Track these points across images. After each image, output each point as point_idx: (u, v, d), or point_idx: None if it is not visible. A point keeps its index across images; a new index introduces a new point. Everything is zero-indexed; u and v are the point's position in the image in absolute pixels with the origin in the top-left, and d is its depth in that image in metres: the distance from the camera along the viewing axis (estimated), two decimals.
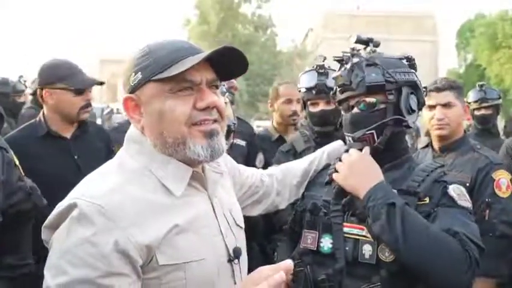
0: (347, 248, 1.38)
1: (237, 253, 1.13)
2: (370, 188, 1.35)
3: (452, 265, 1.26)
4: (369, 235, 1.36)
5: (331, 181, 1.52)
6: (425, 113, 2.30)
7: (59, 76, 2.27)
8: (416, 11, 36.01)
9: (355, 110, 1.45)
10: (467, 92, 3.63)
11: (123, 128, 2.86)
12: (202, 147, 1.05)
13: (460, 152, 2.25)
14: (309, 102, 2.26)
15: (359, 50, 1.51)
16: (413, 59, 1.52)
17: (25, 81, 4.80)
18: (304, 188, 1.62)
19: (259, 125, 11.56)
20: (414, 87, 1.47)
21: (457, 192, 1.40)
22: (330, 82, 2.16)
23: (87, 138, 2.42)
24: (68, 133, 2.35)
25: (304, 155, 2.25)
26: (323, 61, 2.24)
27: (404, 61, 1.50)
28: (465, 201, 1.40)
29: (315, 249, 1.43)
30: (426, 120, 2.32)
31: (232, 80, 2.87)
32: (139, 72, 1.05)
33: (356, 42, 1.52)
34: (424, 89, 1.52)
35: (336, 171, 1.48)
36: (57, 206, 1.00)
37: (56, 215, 0.99)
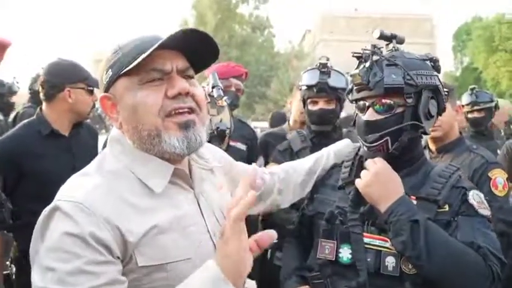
0: (368, 260, 1.32)
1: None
2: (393, 203, 1.30)
3: (475, 281, 1.25)
4: (392, 247, 1.29)
5: (344, 186, 1.46)
6: None
7: (81, 76, 2.32)
8: (414, 14, 36.13)
9: (371, 111, 1.37)
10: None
11: None
12: (177, 139, 1.02)
13: (456, 153, 2.25)
14: (308, 100, 2.26)
15: (381, 47, 1.41)
16: (438, 60, 1.42)
17: (18, 82, 4.84)
18: (309, 187, 1.57)
19: (256, 126, 11.59)
20: (435, 91, 1.39)
21: (477, 199, 1.36)
22: (332, 81, 2.17)
23: (82, 136, 2.44)
24: (66, 131, 2.36)
25: (301, 155, 2.24)
26: (327, 60, 2.24)
27: (428, 62, 1.41)
28: (485, 209, 1.36)
29: (334, 259, 1.37)
30: None
31: (239, 83, 2.84)
32: (110, 70, 1.04)
33: (379, 38, 1.44)
34: (446, 93, 1.45)
35: (358, 176, 1.40)
36: (41, 215, 0.98)
37: (41, 222, 0.97)
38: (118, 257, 0.94)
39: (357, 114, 1.44)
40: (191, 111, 1.04)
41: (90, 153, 2.33)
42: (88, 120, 2.84)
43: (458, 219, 1.32)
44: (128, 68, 1.00)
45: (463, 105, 3.69)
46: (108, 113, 1.07)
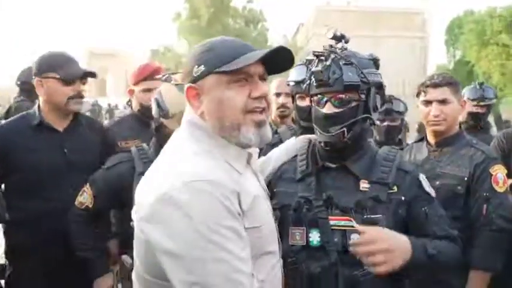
0: (336, 240, 1.49)
1: (275, 214, 1.38)
2: (410, 258, 1.41)
3: (458, 263, 1.62)
4: (356, 225, 1.46)
5: (304, 177, 1.63)
6: (421, 107, 2.33)
7: (50, 66, 2.26)
8: (406, 7, 36.13)
9: (329, 105, 1.54)
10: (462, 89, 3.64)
11: (126, 123, 2.84)
12: (253, 134, 1.22)
13: (456, 147, 2.26)
14: (297, 96, 2.28)
15: (336, 47, 1.59)
16: (379, 59, 1.64)
17: None
18: None
19: None
20: (379, 87, 1.59)
21: (427, 184, 1.62)
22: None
23: (80, 132, 2.38)
24: (61, 126, 2.33)
25: None
26: (313, 53, 2.26)
27: (371, 62, 1.61)
28: (431, 188, 1.63)
29: (305, 244, 1.52)
30: (422, 115, 2.33)
31: None
32: (202, 65, 1.21)
33: (332, 38, 1.61)
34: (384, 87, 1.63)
35: (316, 167, 1.63)
36: (172, 195, 1.09)
37: (182, 201, 1.08)
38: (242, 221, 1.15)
39: (313, 106, 1.61)
40: (264, 110, 1.25)
41: (90, 150, 2.34)
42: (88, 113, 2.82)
43: (425, 209, 1.55)
44: (225, 69, 1.18)
45: (466, 100, 3.67)
46: (191, 100, 1.25)
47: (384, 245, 1.36)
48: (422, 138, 2.48)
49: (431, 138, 2.35)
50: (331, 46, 1.59)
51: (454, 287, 2.10)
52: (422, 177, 1.63)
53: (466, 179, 2.15)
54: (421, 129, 16.72)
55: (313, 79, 1.56)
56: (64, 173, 2.24)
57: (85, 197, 2.07)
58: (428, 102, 2.27)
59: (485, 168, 2.16)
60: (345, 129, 1.53)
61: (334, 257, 1.47)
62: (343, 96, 1.53)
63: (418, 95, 2.36)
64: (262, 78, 1.25)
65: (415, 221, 1.56)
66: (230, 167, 1.21)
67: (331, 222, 1.51)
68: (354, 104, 1.54)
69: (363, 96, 1.54)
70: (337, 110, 1.54)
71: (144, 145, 2.10)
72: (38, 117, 2.28)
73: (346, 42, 1.62)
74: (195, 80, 1.23)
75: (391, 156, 1.62)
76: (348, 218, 1.50)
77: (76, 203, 2.09)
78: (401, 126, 2.82)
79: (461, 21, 25.48)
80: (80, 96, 2.33)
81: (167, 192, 1.09)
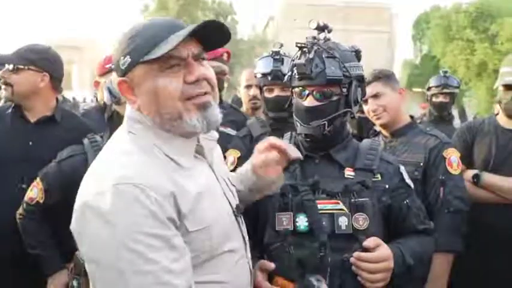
0: (324, 223, 1.47)
1: (238, 209, 1.27)
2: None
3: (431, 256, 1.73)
4: (344, 207, 1.47)
5: (287, 167, 1.58)
6: (364, 107, 2.39)
7: None
8: (374, 2, 36.66)
9: (311, 98, 1.53)
10: (425, 81, 3.76)
11: (90, 115, 2.75)
12: (198, 119, 1.12)
13: (410, 136, 2.31)
14: (264, 88, 2.27)
15: (319, 39, 1.57)
16: (361, 51, 1.63)
17: None
18: None
19: None
20: (360, 80, 1.60)
21: (406, 174, 1.65)
22: (285, 69, 2.17)
23: (53, 128, 2.28)
24: (33, 118, 2.27)
25: (261, 140, 2.26)
26: (280, 48, 2.24)
27: (354, 54, 1.60)
28: (410, 180, 1.65)
29: (293, 229, 1.49)
30: (366, 112, 2.41)
31: (220, 64, 2.69)
32: (128, 56, 1.11)
33: (315, 28, 1.58)
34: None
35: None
36: (95, 200, 1.01)
37: (102, 207, 0.99)
38: (177, 226, 1.05)
39: (294, 99, 1.60)
40: (207, 93, 1.14)
41: (59, 147, 2.17)
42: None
43: (407, 204, 1.58)
44: (148, 58, 1.07)
45: (429, 88, 3.81)
46: (126, 95, 1.15)
47: (388, 265, 1.41)
48: (377, 134, 2.52)
49: (383, 131, 2.41)
50: (314, 38, 1.56)
51: None
52: (402, 169, 1.65)
53: (421, 164, 2.19)
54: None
55: (295, 72, 1.53)
56: (20, 165, 2.16)
57: (35, 192, 1.99)
58: (365, 101, 2.33)
59: (439, 151, 2.21)
60: (325, 122, 1.53)
61: (323, 240, 1.44)
62: (325, 89, 1.52)
63: None
64: (199, 59, 1.14)
65: (396, 213, 1.59)
66: (172, 163, 1.11)
67: (319, 207, 1.49)
68: (335, 98, 1.53)
69: (344, 90, 1.54)
70: (318, 104, 1.53)
71: (97, 136, 2.01)
72: (11, 106, 2.27)
73: (329, 32, 1.59)
74: (124, 73, 1.13)
75: (374, 145, 1.65)
76: (335, 201, 1.49)
77: (26, 198, 2.01)
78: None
79: (428, 16, 25.99)
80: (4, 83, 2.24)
81: (88, 199, 1.01)
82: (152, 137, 1.13)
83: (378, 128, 2.48)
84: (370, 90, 2.26)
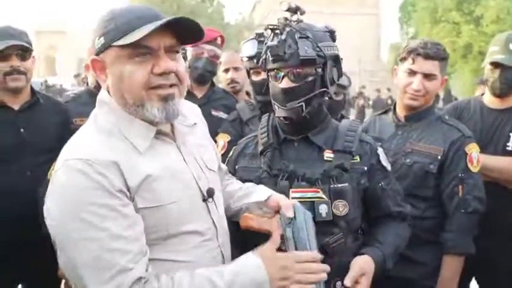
0: None
1: (210, 193, 1.27)
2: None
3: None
4: (324, 196, 1.49)
5: (266, 150, 1.62)
6: (401, 75, 2.15)
7: None
8: None
9: (286, 80, 1.53)
10: None
11: (81, 99, 2.72)
12: (158, 109, 1.15)
13: (427, 122, 2.14)
14: (251, 71, 2.26)
15: (291, 20, 1.55)
16: (335, 31, 1.62)
17: None
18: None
19: None
20: (336, 60, 1.58)
21: (384, 156, 1.67)
22: None
23: (38, 112, 2.27)
24: (16, 104, 2.22)
25: (250, 123, 2.27)
26: (265, 30, 2.24)
27: (327, 34, 1.58)
28: (387, 162, 1.68)
29: None
30: (400, 83, 2.16)
31: (213, 48, 2.72)
32: (103, 37, 1.14)
33: (287, 10, 1.57)
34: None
35: (277, 140, 1.63)
36: (52, 174, 1.12)
37: (55, 183, 1.10)
38: (130, 198, 1.10)
39: (270, 82, 1.60)
40: (172, 85, 1.17)
41: (48, 130, 2.23)
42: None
43: (382, 186, 1.62)
44: (119, 43, 1.11)
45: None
46: (98, 74, 1.19)
47: (369, 280, 1.47)
48: (386, 111, 2.38)
49: (401, 111, 2.21)
50: (286, 19, 1.55)
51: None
52: (380, 151, 1.66)
53: (439, 157, 2.04)
54: (375, 105, 17.14)
55: (269, 54, 1.53)
56: (18, 153, 2.15)
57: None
58: (412, 72, 2.09)
59: (461, 146, 2.05)
60: (303, 103, 1.53)
61: None
62: (300, 70, 1.51)
63: (402, 60, 2.16)
64: (172, 51, 1.17)
65: (371, 194, 1.62)
66: (128, 144, 1.15)
67: (298, 195, 1.50)
68: (310, 78, 1.52)
69: (319, 70, 1.53)
70: (294, 85, 1.52)
71: None
72: None
73: (302, 14, 1.58)
74: (98, 53, 1.16)
75: (353, 127, 1.64)
76: (315, 189, 1.51)
77: (49, 176, 2.02)
78: (344, 101, 2.68)
79: None
80: (18, 72, 2.18)
81: (53, 173, 1.12)
82: (114, 119, 1.18)
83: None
84: (426, 67, 2.05)
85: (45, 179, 2.01)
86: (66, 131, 2.22)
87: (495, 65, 2.34)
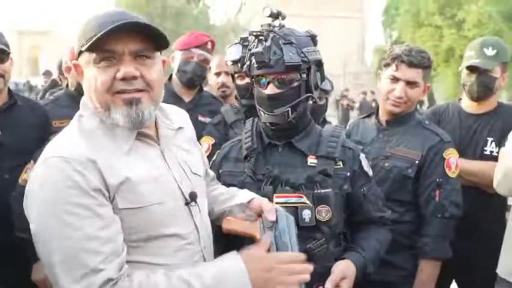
0: None
1: (192, 196, 1.26)
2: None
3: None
4: (307, 201, 1.51)
5: (249, 155, 1.62)
6: (384, 81, 2.17)
7: None
8: None
9: (271, 86, 1.53)
10: None
11: (60, 101, 2.68)
12: (121, 114, 1.15)
13: (407, 127, 2.16)
14: (236, 75, 2.27)
15: (274, 26, 1.56)
16: (317, 36, 1.62)
17: None
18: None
19: None
20: (319, 65, 1.59)
21: (366, 164, 1.69)
22: None
23: (16, 114, 2.23)
24: None
25: (235, 127, 2.28)
26: (249, 35, 2.24)
27: (310, 39, 1.59)
28: (369, 168, 1.70)
29: None
30: (383, 90, 2.18)
31: (203, 52, 2.69)
32: (78, 42, 1.17)
33: (268, 16, 1.58)
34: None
35: (261, 145, 1.65)
36: (32, 173, 1.13)
37: (34, 179, 1.11)
38: (108, 198, 1.10)
39: (255, 88, 1.60)
40: (139, 91, 1.16)
41: (27, 132, 2.20)
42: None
43: (363, 192, 1.64)
44: (83, 48, 1.13)
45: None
46: (80, 79, 1.22)
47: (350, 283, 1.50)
48: (369, 114, 2.40)
49: (383, 116, 2.24)
50: (269, 25, 1.56)
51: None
52: (362, 157, 1.68)
53: (417, 162, 2.06)
54: (361, 107, 17.25)
55: (254, 60, 1.53)
56: None
57: (29, 174, 1.98)
58: (395, 79, 2.11)
59: (439, 151, 2.07)
60: (289, 109, 1.53)
61: None
62: (285, 76, 1.52)
63: (386, 65, 2.18)
64: (142, 56, 1.16)
65: (353, 200, 1.64)
66: (109, 147, 1.16)
67: (282, 200, 1.51)
68: (296, 83, 1.53)
69: (304, 75, 1.54)
70: (279, 91, 1.53)
71: None
72: None
73: (283, 19, 1.59)
74: (77, 57, 1.20)
75: (336, 132, 1.66)
76: (299, 194, 1.52)
77: (20, 181, 2.00)
78: (326, 105, 2.71)
79: (398, 2, 26.22)
80: None
81: (32, 172, 1.13)
82: (97, 121, 1.19)
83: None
84: (409, 74, 2.07)
85: (17, 183, 2.00)
86: (45, 133, 2.22)
87: (471, 69, 2.39)
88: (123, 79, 1.14)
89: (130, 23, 1.12)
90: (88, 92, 1.19)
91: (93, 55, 1.13)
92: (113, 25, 1.10)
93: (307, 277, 1.21)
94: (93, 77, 1.14)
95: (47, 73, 8.10)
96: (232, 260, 1.16)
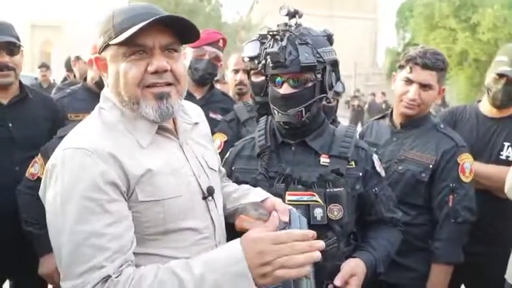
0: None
1: (210, 191, 1.27)
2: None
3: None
4: (319, 199, 1.51)
5: (263, 153, 1.63)
6: (399, 83, 2.16)
7: None
8: None
9: (286, 86, 1.53)
10: None
11: (77, 94, 2.69)
12: (152, 108, 1.16)
13: (422, 130, 2.15)
14: (252, 72, 2.26)
15: (290, 25, 1.56)
16: (333, 35, 1.62)
17: None
18: None
19: None
20: (334, 64, 1.59)
21: (379, 164, 1.69)
22: None
23: (27, 107, 2.25)
24: (4, 99, 2.19)
25: (247, 124, 2.28)
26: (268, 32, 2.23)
27: (326, 38, 1.59)
28: (382, 168, 1.70)
29: None
30: (397, 91, 2.17)
31: (215, 50, 2.69)
32: (102, 36, 1.17)
33: (286, 15, 1.57)
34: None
35: (274, 142, 1.65)
36: (48, 163, 1.12)
37: (51, 169, 1.10)
38: (124, 192, 1.10)
39: (270, 87, 1.60)
40: (168, 84, 1.18)
41: (37, 125, 2.22)
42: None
43: (376, 190, 1.64)
44: (114, 41, 1.13)
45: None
46: (101, 72, 1.23)
47: (359, 280, 1.49)
48: (383, 116, 2.38)
49: (397, 119, 2.22)
50: (285, 24, 1.56)
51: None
52: (375, 157, 1.68)
53: (431, 166, 2.04)
54: (370, 109, 17.19)
55: (269, 60, 1.53)
56: (6, 148, 2.13)
57: (36, 168, 1.99)
58: (409, 81, 2.10)
59: (453, 156, 2.05)
60: (302, 109, 1.53)
61: None
62: (300, 76, 1.52)
63: (400, 67, 2.17)
64: (171, 49, 1.18)
65: (364, 200, 1.64)
66: (131, 140, 1.17)
67: (294, 198, 1.52)
68: (310, 84, 1.53)
69: (319, 76, 1.54)
70: (294, 91, 1.53)
71: None
72: None
73: (300, 17, 1.59)
74: (100, 51, 1.20)
75: (350, 132, 1.66)
76: (311, 193, 1.52)
77: (27, 174, 2.01)
78: (337, 107, 2.67)
79: (412, 4, 26.05)
80: (7, 68, 2.16)
81: (50, 161, 1.12)
82: (118, 114, 1.20)
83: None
84: (422, 77, 2.05)
85: (24, 177, 2.02)
86: (56, 126, 2.23)
87: (501, 75, 2.31)
88: (155, 72, 1.14)
89: (166, 17, 1.13)
90: (114, 85, 1.18)
91: (123, 49, 1.13)
92: (151, 18, 1.10)
93: (315, 256, 1.01)
94: (123, 70, 1.14)
95: (44, 65, 8.11)
96: (230, 244, 1.06)
